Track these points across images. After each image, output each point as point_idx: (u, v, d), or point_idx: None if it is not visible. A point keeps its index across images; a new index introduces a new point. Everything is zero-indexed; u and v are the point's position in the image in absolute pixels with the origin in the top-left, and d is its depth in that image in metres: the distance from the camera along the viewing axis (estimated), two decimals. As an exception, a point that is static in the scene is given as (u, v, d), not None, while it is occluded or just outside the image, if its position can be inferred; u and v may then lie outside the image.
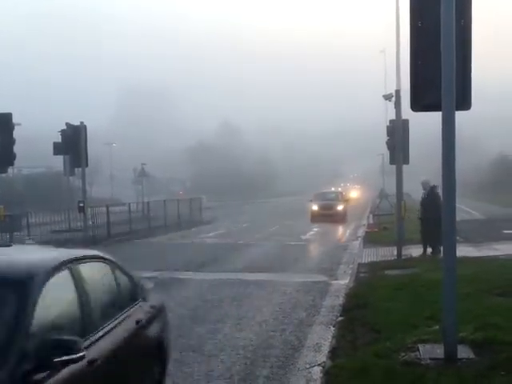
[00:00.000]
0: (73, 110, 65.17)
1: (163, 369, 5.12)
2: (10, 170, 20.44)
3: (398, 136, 14.96)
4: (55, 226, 22.07)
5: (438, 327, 6.30)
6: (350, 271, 12.90)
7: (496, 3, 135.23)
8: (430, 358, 5.56)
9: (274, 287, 11.10)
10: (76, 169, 22.22)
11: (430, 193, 14.40)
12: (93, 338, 3.58)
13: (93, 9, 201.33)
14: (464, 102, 5.59)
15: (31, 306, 3.11)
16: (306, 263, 15.13)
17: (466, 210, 36.31)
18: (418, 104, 5.84)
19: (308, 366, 6.16)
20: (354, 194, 77.32)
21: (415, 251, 14.91)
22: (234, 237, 23.03)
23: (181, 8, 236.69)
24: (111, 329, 3.92)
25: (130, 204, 26.15)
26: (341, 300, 9.57)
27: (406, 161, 15.53)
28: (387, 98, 16.81)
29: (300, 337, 7.46)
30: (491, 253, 14.35)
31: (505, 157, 77.70)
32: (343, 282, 11.48)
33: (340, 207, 33.41)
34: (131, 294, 4.72)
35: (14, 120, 13.56)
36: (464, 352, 5.60)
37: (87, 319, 3.65)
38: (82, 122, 20.21)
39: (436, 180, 10.65)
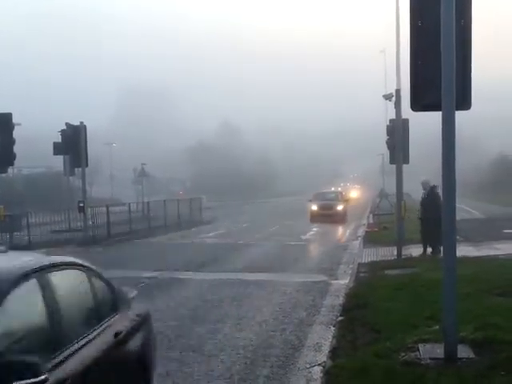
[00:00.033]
0: (73, 110, 65.32)
1: None
2: (10, 169, 20.47)
3: (397, 136, 14.97)
4: (55, 226, 22.14)
5: (438, 327, 6.30)
6: (350, 271, 12.89)
7: (496, 3, 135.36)
8: (430, 358, 5.56)
9: (274, 287, 11.10)
10: (76, 169, 22.30)
11: (430, 193, 14.40)
12: (62, 356, 3.15)
13: (93, 9, 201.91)
14: (464, 101, 5.60)
15: None
16: (306, 263, 15.12)
17: (466, 209, 36.31)
18: (418, 104, 5.84)
19: (308, 366, 6.17)
20: (354, 193, 77.16)
21: (415, 251, 14.92)
22: (234, 237, 23.01)
23: (181, 8, 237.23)
24: (85, 343, 3.49)
25: (129, 204, 26.13)
26: (341, 300, 9.57)
27: (406, 160, 15.55)
28: (387, 97, 16.83)
29: (300, 336, 7.46)
30: (491, 252, 14.35)
31: (505, 157, 77.65)
32: (343, 282, 11.48)
33: (340, 207, 33.26)
34: (111, 304, 4.27)
35: (14, 120, 13.60)
36: (464, 352, 5.60)
37: (56, 334, 3.22)
38: (81, 122, 20.27)
39: (436, 180, 10.65)
